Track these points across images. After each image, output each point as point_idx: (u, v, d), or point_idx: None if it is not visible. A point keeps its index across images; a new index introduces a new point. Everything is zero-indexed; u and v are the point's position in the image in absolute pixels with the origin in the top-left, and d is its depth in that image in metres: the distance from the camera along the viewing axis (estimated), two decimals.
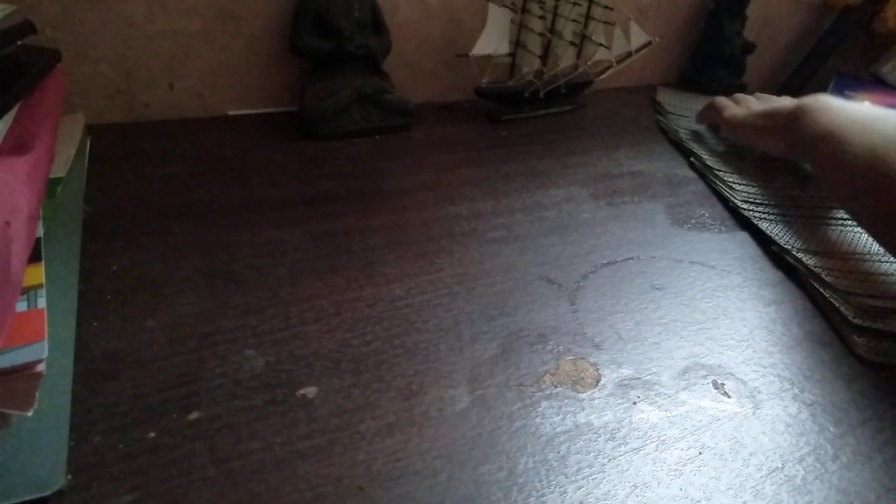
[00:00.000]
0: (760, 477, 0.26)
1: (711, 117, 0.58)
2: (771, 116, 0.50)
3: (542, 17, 0.57)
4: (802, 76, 0.81)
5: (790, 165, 0.52)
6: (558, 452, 0.26)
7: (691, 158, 0.55)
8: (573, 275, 0.38)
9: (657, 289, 0.37)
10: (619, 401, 0.29)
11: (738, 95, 0.58)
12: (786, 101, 0.50)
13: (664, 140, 0.59)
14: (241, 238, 0.38)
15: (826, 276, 0.38)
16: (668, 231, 0.44)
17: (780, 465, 0.26)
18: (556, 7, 0.57)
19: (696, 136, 0.58)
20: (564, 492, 0.24)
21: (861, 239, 0.42)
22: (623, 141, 0.58)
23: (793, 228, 0.43)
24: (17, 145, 0.30)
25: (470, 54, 0.55)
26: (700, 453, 0.26)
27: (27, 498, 0.21)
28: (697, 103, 0.65)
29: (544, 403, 0.28)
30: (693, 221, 0.45)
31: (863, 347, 0.33)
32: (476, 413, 0.27)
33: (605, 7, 0.58)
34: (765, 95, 0.57)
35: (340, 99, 0.51)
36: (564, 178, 0.50)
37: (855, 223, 0.43)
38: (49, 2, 0.47)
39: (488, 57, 0.57)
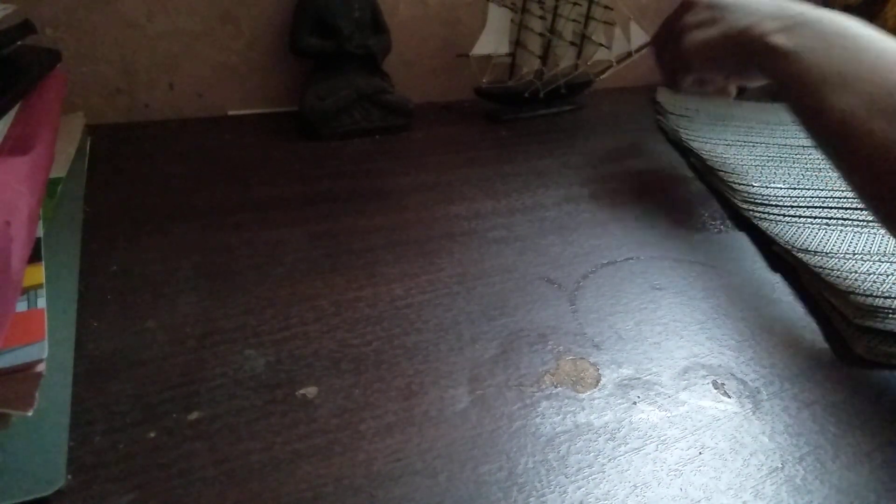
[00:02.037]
0: (760, 477, 0.26)
1: (665, 52, 0.48)
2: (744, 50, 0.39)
3: (542, 17, 0.57)
4: None
5: (791, 164, 0.52)
6: (558, 452, 0.26)
7: (691, 158, 0.55)
8: (573, 275, 0.38)
9: (657, 289, 0.37)
10: (619, 401, 0.29)
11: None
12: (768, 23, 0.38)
13: (664, 140, 0.59)
14: (241, 238, 0.38)
15: (826, 276, 0.38)
16: (668, 231, 0.44)
17: (780, 465, 0.26)
18: (556, 7, 0.57)
19: (696, 135, 0.58)
20: (564, 492, 0.24)
21: (861, 239, 0.42)
22: (623, 141, 0.58)
23: (793, 228, 0.43)
24: (17, 145, 0.30)
25: (470, 54, 0.55)
26: (700, 453, 0.26)
27: (27, 498, 0.21)
28: (697, 103, 0.65)
29: (544, 403, 0.28)
30: (693, 221, 0.45)
31: (863, 347, 0.33)
32: (476, 413, 0.27)
33: (605, 7, 0.58)
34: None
35: (340, 99, 0.51)
36: (564, 178, 0.50)
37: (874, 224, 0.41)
38: (49, 2, 0.47)
39: (488, 57, 0.57)
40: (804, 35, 0.36)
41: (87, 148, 0.45)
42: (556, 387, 0.29)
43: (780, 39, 0.37)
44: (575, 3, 0.58)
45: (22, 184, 0.27)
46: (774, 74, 0.38)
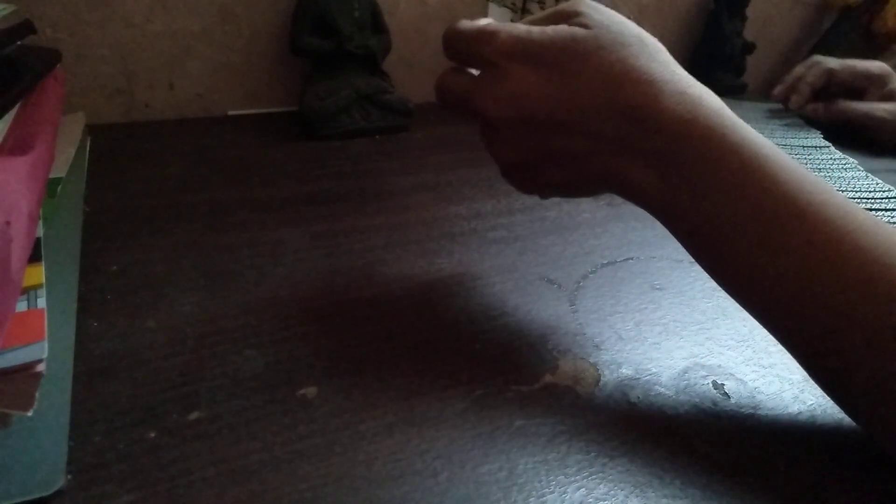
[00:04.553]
0: (761, 477, 0.26)
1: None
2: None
3: None
4: None
5: None
6: (558, 452, 0.26)
7: None
8: (573, 275, 0.38)
9: (657, 289, 0.37)
10: (619, 401, 0.29)
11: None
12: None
13: None
14: (241, 238, 0.38)
15: None
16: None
17: (781, 466, 0.26)
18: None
19: None
20: (564, 492, 0.24)
21: None
22: None
23: None
24: (17, 145, 0.30)
25: None
26: (701, 453, 0.26)
27: (27, 498, 0.21)
28: None
29: (544, 403, 0.28)
30: None
31: None
32: (476, 413, 0.27)
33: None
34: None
35: (340, 99, 0.51)
36: None
37: None
38: (49, 2, 0.47)
39: None
40: (668, 164, 0.27)
41: (87, 148, 0.45)
42: (555, 387, 0.29)
43: (640, 177, 0.27)
44: None
45: (22, 184, 0.27)
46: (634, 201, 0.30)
